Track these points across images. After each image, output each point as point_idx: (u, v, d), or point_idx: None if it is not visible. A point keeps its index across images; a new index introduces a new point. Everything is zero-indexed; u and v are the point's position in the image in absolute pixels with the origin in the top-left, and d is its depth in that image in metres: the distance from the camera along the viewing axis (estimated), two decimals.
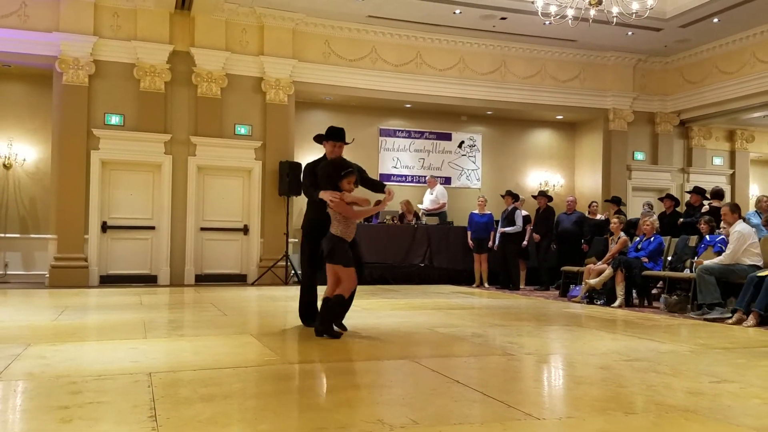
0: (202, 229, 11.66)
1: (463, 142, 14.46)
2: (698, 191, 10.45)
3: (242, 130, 11.90)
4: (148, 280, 11.25)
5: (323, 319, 5.31)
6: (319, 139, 6.10)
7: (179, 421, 2.84)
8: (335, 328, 5.35)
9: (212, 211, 11.79)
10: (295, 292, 10.17)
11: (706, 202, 10.13)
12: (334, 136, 5.99)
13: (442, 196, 13.06)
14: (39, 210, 11.69)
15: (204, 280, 11.56)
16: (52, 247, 10.82)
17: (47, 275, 10.79)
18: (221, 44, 11.63)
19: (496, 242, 11.58)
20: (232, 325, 6.21)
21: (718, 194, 10.02)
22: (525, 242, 11.50)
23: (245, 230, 11.91)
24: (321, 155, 6.17)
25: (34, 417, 2.96)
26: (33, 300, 8.54)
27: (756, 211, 9.07)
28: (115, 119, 11.17)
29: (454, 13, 11.88)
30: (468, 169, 14.46)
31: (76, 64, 10.84)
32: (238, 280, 11.80)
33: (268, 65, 11.90)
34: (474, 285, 11.80)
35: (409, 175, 13.95)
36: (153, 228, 11.35)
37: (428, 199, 13.02)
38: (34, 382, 3.61)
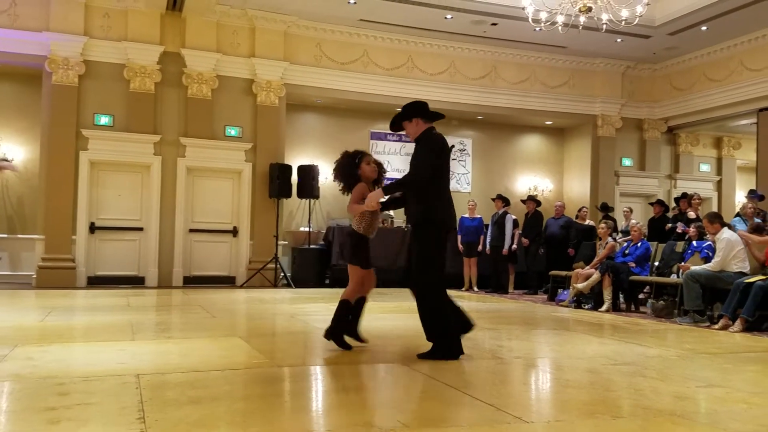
0: (191, 230, 11.61)
1: (453, 146, 14.48)
2: (686, 197, 10.56)
3: (232, 131, 11.87)
4: (136, 282, 11.18)
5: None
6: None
7: (167, 423, 2.83)
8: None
9: (201, 212, 11.74)
10: (284, 294, 10.21)
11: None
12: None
13: None
14: (26, 210, 11.60)
15: (192, 282, 11.51)
16: (39, 248, 10.74)
17: (34, 276, 10.71)
18: (212, 45, 11.60)
19: (487, 246, 11.62)
20: (220, 328, 6.19)
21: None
22: (514, 246, 11.53)
23: (234, 232, 11.88)
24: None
25: (21, 418, 2.94)
26: (20, 301, 8.47)
27: (742, 218, 9.15)
28: (104, 120, 11.11)
29: (446, 18, 11.92)
30: (458, 173, 14.49)
31: (66, 64, 10.78)
32: (226, 282, 11.76)
33: (259, 67, 11.89)
34: (463, 288, 11.82)
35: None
36: (141, 229, 11.29)
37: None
38: (21, 383, 3.59)
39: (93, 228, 11.05)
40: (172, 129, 11.45)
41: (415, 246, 4.62)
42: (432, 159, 4.63)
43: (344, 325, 4.84)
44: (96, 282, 10.97)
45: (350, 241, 4.91)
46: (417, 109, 4.86)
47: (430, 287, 4.50)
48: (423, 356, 4.49)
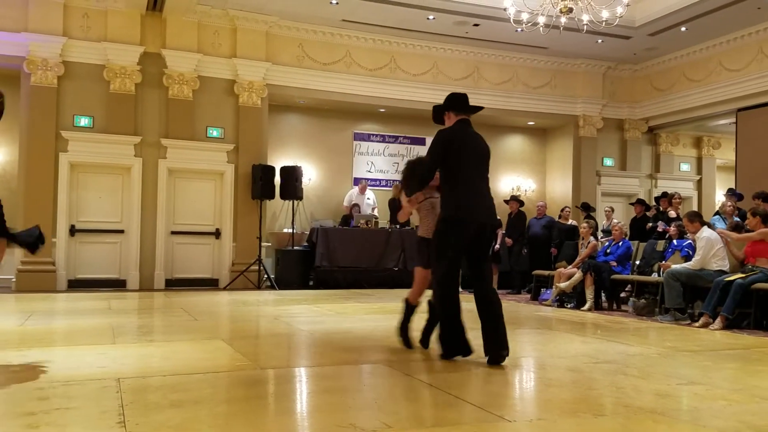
0: (173, 232, 11.52)
1: None
2: (666, 196, 10.67)
3: (214, 132, 11.80)
4: (117, 285, 11.07)
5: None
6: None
7: (148, 427, 2.80)
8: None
9: (183, 214, 11.65)
10: (267, 296, 10.16)
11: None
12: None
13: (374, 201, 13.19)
14: (5, 213, 11.41)
15: (174, 284, 11.41)
16: (18, 251, 10.58)
17: (14, 279, 10.57)
18: (193, 46, 11.52)
19: None
20: (202, 330, 6.15)
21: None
22: (497, 246, 11.57)
23: (217, 234, 11.81)
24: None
25: None
26: None
27: (721, 216, 9.26)
28: (84, 121, 10.99)
29: (428, 18, 11.94)
30: None
31: (45, 65, 10.65)
32: (209, 284, 11.69)
33: (241, 68, 11.83)
34: None
35: (383, 180, 13.97)
36: (122, 231, 11.18)
37: (366, 204, 12.96)
38: (0, 389, 3.54)
39: (73, 230, 10.92)
40: (152, 130, 11.35)
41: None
42: (432, 157, 4.64)
43: (408, 324, 4.98)
44: (76, 285, 10.84)
45: (415, 244, 5.14)
46: (448, 102, 4.87)
47: (439, 282, 4.57)
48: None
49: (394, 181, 13.87)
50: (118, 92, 11.09)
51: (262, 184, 11.47)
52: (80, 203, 11.04)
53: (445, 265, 4.52)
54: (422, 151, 14.38)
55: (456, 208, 4.50)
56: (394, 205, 13.03)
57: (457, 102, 4.85)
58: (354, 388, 3.83)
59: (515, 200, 11.99)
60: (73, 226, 10.93)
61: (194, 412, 3.10)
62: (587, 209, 11.64)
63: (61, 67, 10.79)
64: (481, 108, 5.06)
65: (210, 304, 8.72)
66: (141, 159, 11.25)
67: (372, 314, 7.68)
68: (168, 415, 3.00)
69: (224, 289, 11.41)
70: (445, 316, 4.55)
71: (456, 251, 4.52)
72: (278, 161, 12.49)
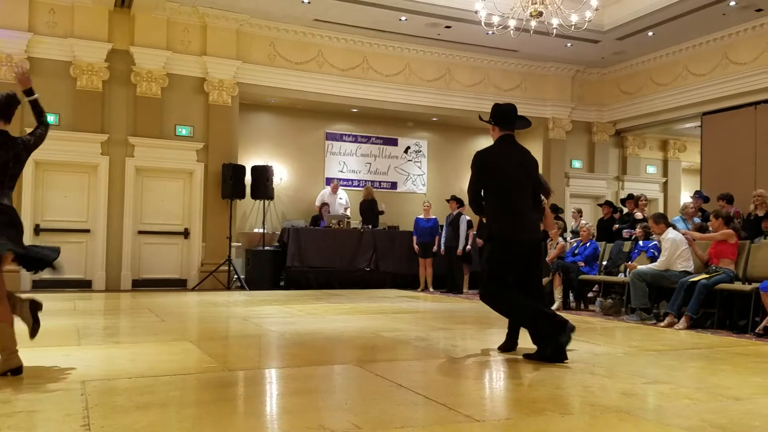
0: (140, 232, 11.35)
1: (409, 147, 14.57)
2: (632, 198, 10.85)
3: (183, 131, 11.66)
4: (83, 285, 10.87)
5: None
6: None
7: (114, 430, 2.76)
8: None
9: (151, 214, 11.49)
10: (237, 296, 10.08)
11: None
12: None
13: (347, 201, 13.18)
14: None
15: (142, 285, 11.25)
16: None
17: None
18: (162, 43, 11.37)
19: (441, 247, 11.70)
20: (170, 332, 6.07)
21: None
22: (468, 247, 11.63)
23: (186, 234, 11.67)
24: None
25: None
26: None
27: (682, 218, 9.44)
28: (49, 119, 10.70)
29: (400, 20, 11.96)
30: (414, 175, 14.58)
31: (10, 61, 10.41)
32: (177, 285, 11.54)
33: (211, 66, 11.71)
34: (419, 289, 11.87)
35: (355, 180, 13.96)
36: (88, 231, 10.98)
37: (339, 204, 12.94)
38: None
39: (38, 230, 10.69)
40: (120, 128, 11.17)
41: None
42: (470, 183, 4.77)
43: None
44: (42, 286, 10.61)
45: None
46: (492, 115, 4.88)
47: (494, 295, 4.66)
48: (528, 356, 4.61)
49: (366, 181, 13.92)
50: (85, 89, 10.89)
51: (233, 183, 11.37)
52: (45, 202, 10.81)
53: (498, 284, 4.62)
54: (394, 151, 14.43)
55: (499, 230, 4.63)
56: (366, 207, 13.10)
57: (500, 117, 4.85)
58: (324, 389, 3.81)
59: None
60: (37, 226, 10.70)
61: (161, 414, 3.06)
62: (555, 210, 11.73)
63: (26, 63, 10.55)
64: (528, 123, 5.08)
65: (178, 305, 8.61)
66: (108, 157, 11.06)
67: (343, 315, 7.66)
68: (134, 417, 2.96)
69: (193, 289, 11.28)
70: (525, 320, 4.66)
71: (506, 269, 4.64)
72: (249, 160, 12.40)
